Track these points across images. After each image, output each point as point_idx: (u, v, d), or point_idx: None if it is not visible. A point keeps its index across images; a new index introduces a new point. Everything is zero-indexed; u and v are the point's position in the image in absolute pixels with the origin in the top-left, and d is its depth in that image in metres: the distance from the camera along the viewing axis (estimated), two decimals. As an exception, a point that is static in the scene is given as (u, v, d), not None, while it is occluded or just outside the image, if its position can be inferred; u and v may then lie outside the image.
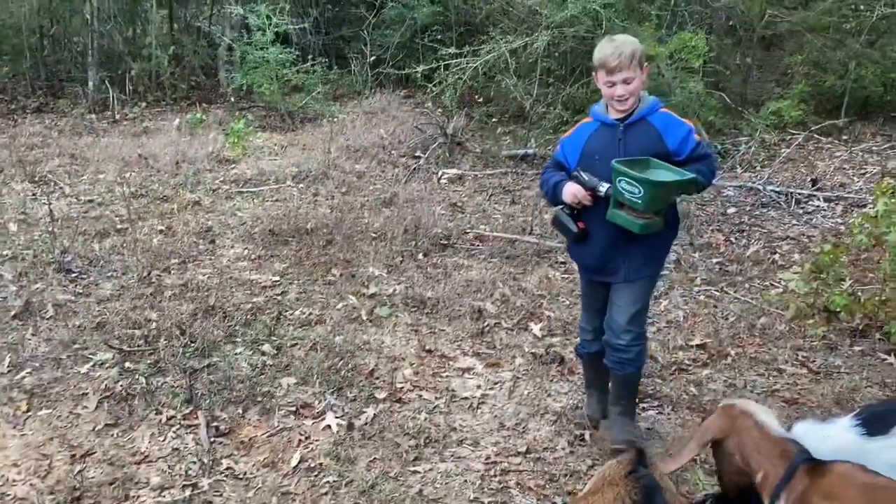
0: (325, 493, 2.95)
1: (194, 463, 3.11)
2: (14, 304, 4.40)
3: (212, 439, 3.26)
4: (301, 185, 7.00)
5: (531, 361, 3.97)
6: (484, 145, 8.34)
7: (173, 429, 3.33)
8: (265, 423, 3.39)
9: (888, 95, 8.82)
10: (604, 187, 2.80)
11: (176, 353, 3.88)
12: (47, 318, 4.29)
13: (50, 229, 5.40)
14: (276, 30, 9.35)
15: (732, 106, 8.20)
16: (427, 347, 4.10)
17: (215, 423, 3.36)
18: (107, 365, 3.81)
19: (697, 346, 4.10)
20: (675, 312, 4.54)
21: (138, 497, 2.91)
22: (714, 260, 5.34)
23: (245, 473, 3.07)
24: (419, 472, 3.08)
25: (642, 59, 2.81)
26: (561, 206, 2.98)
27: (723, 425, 2.36)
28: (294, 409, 3.51)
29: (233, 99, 10.51)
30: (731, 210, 6.34)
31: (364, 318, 4.40)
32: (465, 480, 3.02)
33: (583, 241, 2.97)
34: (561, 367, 3.90)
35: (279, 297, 4.65)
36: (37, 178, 7.02)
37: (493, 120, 9.23)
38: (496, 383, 3.78)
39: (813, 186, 6.72)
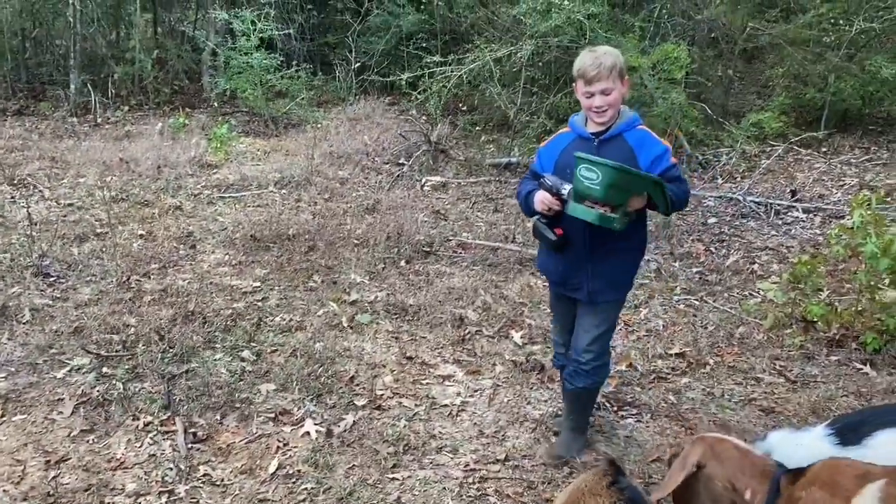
0: (303, 500, 2.94)
1: (171, 469, 3.08)
2: (-10, 308, 4.34)
3: (189, 445, 3.24)
4: (283, 191, 6.98)
5: (511, 369, 3.98)
6: (468, 153, 8.36)
7: (150, 435, 3.30)
8: (243, 430, 3.37)
9: (867, 108, 8.97)
10: (567, 188, 2.77)
11: (154, 359, 3.85)
12: (24, 323, 4.24)
13: (28, 233, 5.34)
14: (260, 35, 9.32)
15: (714, 117, 8.28)
16: (408, 354, 4.10)
17: (193, 430, 3.34)
18: (83, 370, 3.77)
19: (676, 354, 4.14)
20: (655, 321, 4.57)
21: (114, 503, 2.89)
22: (694, 269, 5.39)
23: (222, 480, 3.05)
24: (398, 480, 3.07)
25: (622, 70, 2.80)
26: (537, 216, 2.97)
27: (702, 453, 2.39)
28: (273, 415, 3.49)
29: (216, 104, 10.47)
30: (712, 220, 6.41)
31: (345, 324, 4.39)
32: (444, 488, 3.02)
33: (564, 248, 2.94)
34: (541, 375, 3.91)
35: (260, 303, 4.63)
36: (16, 181, 6.94)
37: (477, 128, 9.27)
38: (476, 391, 3.78)
39: (792, 198, 6.80)
